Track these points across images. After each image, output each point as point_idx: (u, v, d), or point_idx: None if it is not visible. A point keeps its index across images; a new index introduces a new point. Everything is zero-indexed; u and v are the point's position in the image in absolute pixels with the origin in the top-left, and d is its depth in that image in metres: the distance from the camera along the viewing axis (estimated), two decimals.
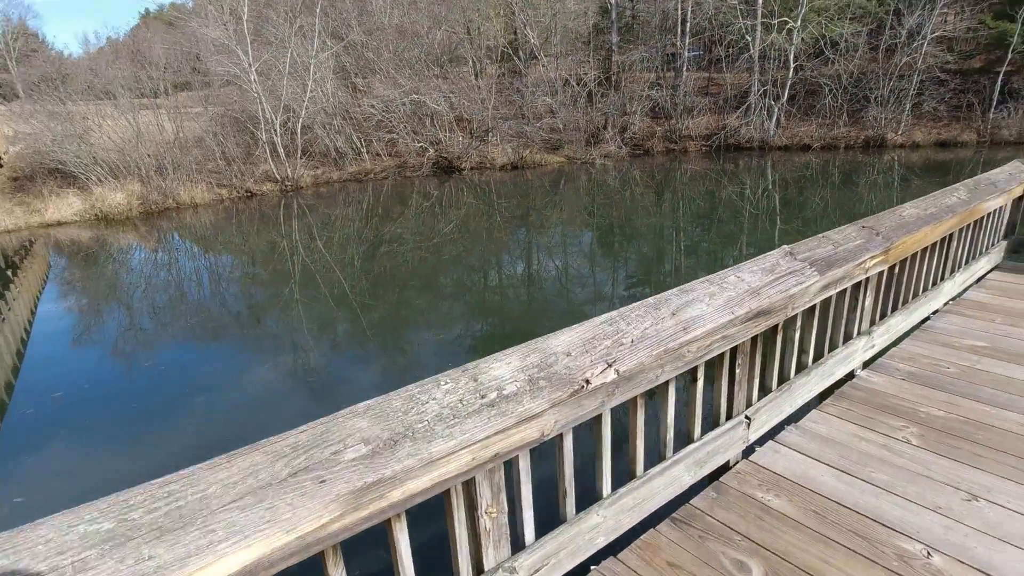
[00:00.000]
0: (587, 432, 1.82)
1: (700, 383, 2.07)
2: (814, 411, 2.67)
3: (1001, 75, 19.63)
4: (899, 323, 3.25)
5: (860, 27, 21.38)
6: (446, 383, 1.41)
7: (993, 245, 4.36)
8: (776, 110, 21.01)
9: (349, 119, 20.80)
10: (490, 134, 21.28)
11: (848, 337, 2.90)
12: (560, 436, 1.67)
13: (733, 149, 21.40)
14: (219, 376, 6.62)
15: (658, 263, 10.42)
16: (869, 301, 2.91)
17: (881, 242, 2.71)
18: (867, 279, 2.79)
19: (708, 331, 1.91)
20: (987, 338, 3.30)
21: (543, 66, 23.05)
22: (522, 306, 8.69)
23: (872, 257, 2.66)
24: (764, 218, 12.92)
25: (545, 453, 1.73)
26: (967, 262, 3.99)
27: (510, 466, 1.58)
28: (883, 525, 1.93)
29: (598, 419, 1.78)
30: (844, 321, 2.84)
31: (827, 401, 2.75)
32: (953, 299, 3.90)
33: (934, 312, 3.70)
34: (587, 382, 1.58)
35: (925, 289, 3.50)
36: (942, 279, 3.68)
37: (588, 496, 1.88)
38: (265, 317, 8.65)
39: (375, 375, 6.41)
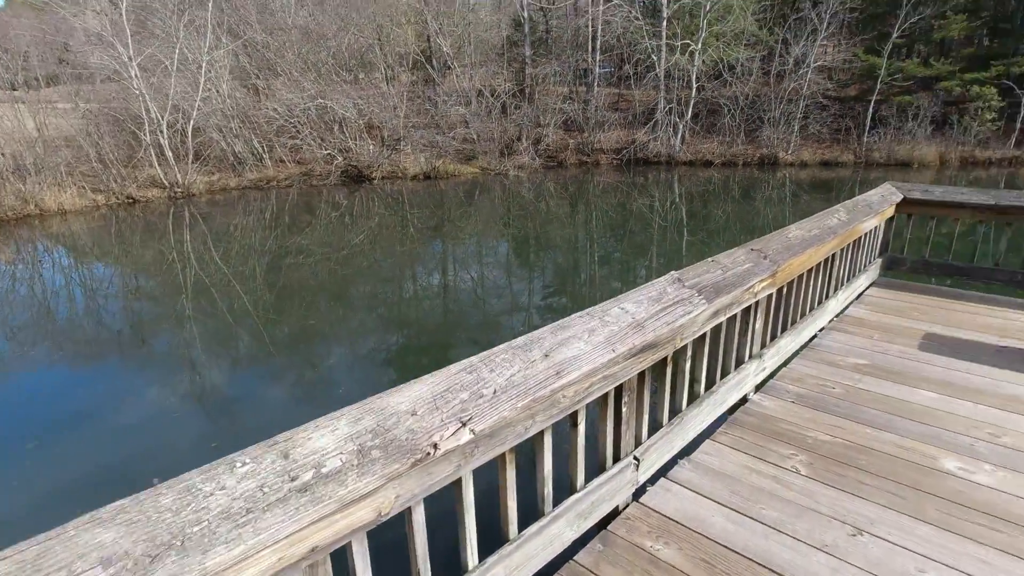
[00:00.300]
0: (449, 496, 1.59)
1: (582, 427, 1.92)
2: (707, 442, 2.65)
3: (872, 104, 22.01)
4: (789, 344, 3.35)
5: (754, 53, 23.20)
6: (244, 464, 1.11)
7: (870, 263, 4.65)
8: (681, 127, 22.26)
9: (249, 123, 19.61)
10: (402, 143, 20.87)
11: (740, 362, 2.92)
12: (408, 510, 1.43)
13: (642, 163, 22.38)
14: (89, 403, 5.82)
15: (574, 273, 10.55)
16: (759, 324, 2.95)
17: (769, 265, 2.73)
18: (756, 302, 2.83)
19: (587, 372, 1.73)
20: (867, 355, 3.47)
21: (457, 76, 23.03)
22: (437, 318, 8.45)
23: (760, 281, 2.66)
24: (672, 229, 13.43)
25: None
26: (848, 280, 4.22)
27: (347, 552, 1.31)
28: (773, 572, 1.89)
29: (457, 483, 1.56)
30: (736, 346, 2.85)
31: (720, 429, 2.76)
32: (837, 316, 4.11)
33: (821, 330, 3.87)
34: (435, 447, 1.34)
35: (812, 308, 3.64)
36: (827, 297, 3.85)
37: (453, 571, 1.67)
38: (152, 336, 7.79)
39: (280, 394, 5.92)
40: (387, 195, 18.38)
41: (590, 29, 23.29)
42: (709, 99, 22.83)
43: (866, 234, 4.26)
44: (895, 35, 21.66)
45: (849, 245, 3.98)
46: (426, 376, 1.49)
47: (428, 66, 23.43)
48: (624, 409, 2.08)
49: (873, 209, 4.06)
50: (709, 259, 2.57)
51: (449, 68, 23.18)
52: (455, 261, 11.76)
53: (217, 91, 19.28)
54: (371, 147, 20.25)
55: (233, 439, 4.83)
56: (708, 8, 20.90)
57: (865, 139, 21.72)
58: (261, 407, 5.62)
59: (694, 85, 21.89)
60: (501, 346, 1.66)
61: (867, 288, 4.66)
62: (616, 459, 2.15)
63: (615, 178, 20.55)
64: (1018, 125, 21.21)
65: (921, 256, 4.79)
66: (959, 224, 4.62)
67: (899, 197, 4.53)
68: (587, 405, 1.88)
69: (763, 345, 3.08)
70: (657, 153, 22.17)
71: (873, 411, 2.82)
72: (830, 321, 4.00)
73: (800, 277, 3.29)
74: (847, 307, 4.26)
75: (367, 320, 8.21)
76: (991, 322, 3.90)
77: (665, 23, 21.76)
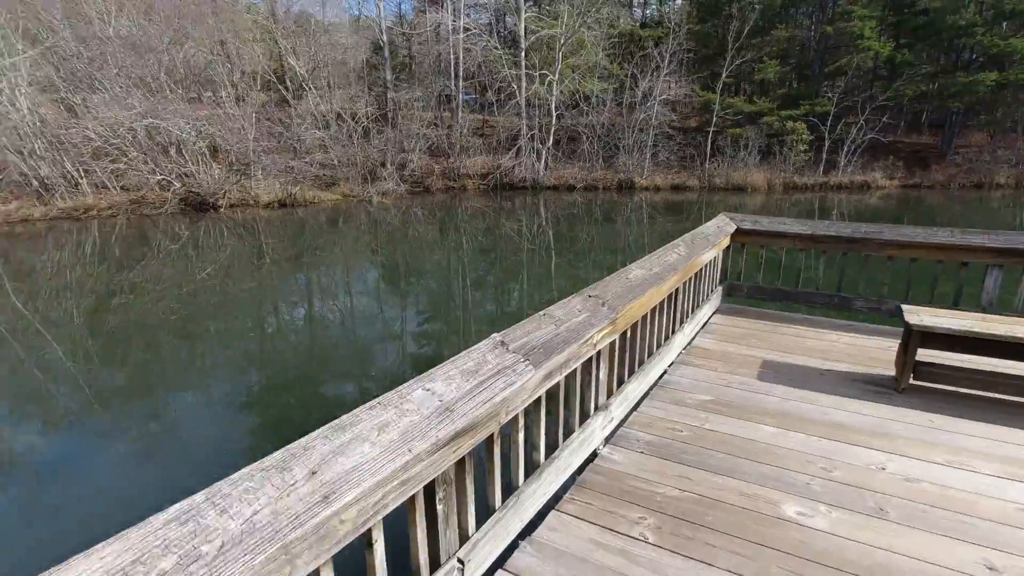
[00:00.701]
0: None
1: (379, 546, 1.51)
2: (552, 514, 2.41)
3: (710, 135, 24.66)
4: (637, 388, 3.26)
5: (607, 85, 24.97)
6: None
7: (712, 292, 4.84)
8: (544, 153, 23.18)
9: (59, 143, 16.98)
10: (252, 168, 19.33)
11: (585, 416, 2.72)
12: None
13: (509, 188, 22.87)
14: None
15: (448, 298, 10.24)
16: (603, 374, 2.79)
17: (608, 312, 2.58)
18: (598, 352, 2.65)
19: (374, 485, 1.35)
20: (713, 389, 3.50)
21: (314, 98, 21.99)
22: (302, 355, 7.67)
23: (600, 330, 2.49)
24: (542, 252, 13.56)
25: None
26: (693, 311, 4.30)
27: None
28: None
29: None
30: (579, 400, 2.64)
31: (567, 496, 2.53)
32: (685, 348, 4.15)
33: (670, 365, 3.85)
34: None
35: (659, 345, 3.59)
36: (673, 332, 3.84)
37: None
38: None
39: (111, 457, 4.88)
40: (238, 224, 16.80)
41: (452, 56, 23.60)
42: (568, 127, 24.09)
43: (706, 265, 4.39)
44: (724, 75, 24.58)
45: (692, 278, 4.05)
46: (113, 539, 1.02)
47: (281, 87, 22.14)
48: (440, 507, 1.70)
49: (710, 241, 4.20)
50: (541, 313, 2.29)
51: (305, 90, 22.09)
52: (321, 292, 10.91)
53: (14, 106, 16.49)
54: (217, 172, 18.48)
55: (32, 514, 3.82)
56: (563, 42, 22.18)
57: (707, 166, 24.21)
58: (83, 466, 4.55)
59: (554, 113, 22.98)
60: (245, 469, 1.22)
61: (711, 316, 4.83)
62: (435, 567, 1.76)
63: (483, 203, 20.66)
64: (824, 156, 24.99)
65: (755, 282, 5.09)
66: (784, 252, 4.91)
67: (733, 228, 4.81)
68: (384, 518, 1.47)
69: (609, 394, 2.93)
70: (523, 178, 22.82)
71: (719, 455, 2.79)
72: (679, 354, 4.01)
73: (644, 317, 3.20)
74: (694, 338, 4.34)
75: (217, 362, 7.21)
76: (816, 345, 4.19)
77: (524, 54, 22.69)
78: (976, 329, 3.01)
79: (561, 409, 2.48)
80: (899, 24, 27.24)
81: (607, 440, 2.93)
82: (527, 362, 1.96)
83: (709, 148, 24.63)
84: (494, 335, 2.02)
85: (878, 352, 4.01)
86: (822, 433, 2.94)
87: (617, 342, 2.88)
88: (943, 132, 27.81)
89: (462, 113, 24.26)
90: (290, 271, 12.24)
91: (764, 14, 27.71)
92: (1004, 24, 25.33)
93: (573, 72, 23.59)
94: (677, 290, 3.72)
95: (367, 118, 21.89)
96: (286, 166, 19.87)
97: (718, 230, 4.57)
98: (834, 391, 3.39)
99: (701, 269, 4.25)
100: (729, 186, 23.65)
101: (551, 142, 23.50)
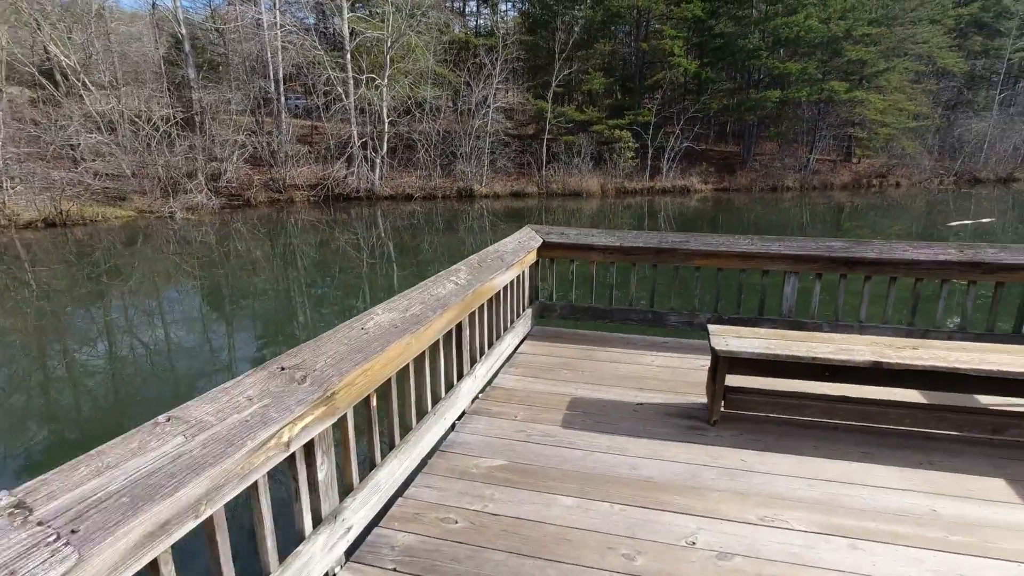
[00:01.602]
0: None
1: None
2: None
3: (545, 142, 25.42)
4: (398, 468, 2.49)
5: (441, 92, 24.64)
6: None
7: (519, 316, 4.27)
8: (378, 161, 22.13)
9: None
10: (2, 179, 15.86)
11: (296, 542, 1.85)
12: None
13: (343, 199, 21.48)
14: None
15: (286, 320, 9.18)
16: (324, 474, 1.93)
17: (312, 390, 1.75)
18: (310, 444, 1.83)
19: None
20: (507, 449, 2.87)
21: (92, 97, 18.70)
22: (100, 400, 6.16)
23: (295, 421, 1.67)
24: (383, 264, 13.06)
25: None
26: (491, 346, 3.65)
27: None
28: None
29: None
30: (266, 528, 1.70)
31: None
32: (482, 391, 3.50)
33: (460, 416, 3.17)
34: None
35: (436, 401, 2.87)
36: (460, 378, 3.13)
37: None
38: None
39: None
40: None
41: (269, 55, 21.66)
42: (404, 134, 23.32)
43: (506, 288, 3.84)
44: (554, 84, 25.54)
45: (485, 305, 3.45)
46: None
47: (46, 81, 18.54)
48: None
49: (506, 261, 3.66)
50: (163, 417, 1.43)
51: (79, 86, 18.71)
52: (127, 324, 9.02)
53: None
54: None
55: None
56: (390, 44, 21.38)
57: (544, 172, 24.89)
58: None
59: (386, 120, 22.06)
60: None
61: (521, 344, 4.29)
62: None
63: (315, 215, 19.30)
64: (649, 163, 27.02)
65: (568, 301, 4.66)
66: (595, 266, 4.51)
67: (539, 241, 4.36)
68: None
69: (344, 495, 2.12)
70: (357, 188, 21.55)
71: (498, 557, 2.12)
72: (473, 401, 3.37)
73: (404, 372, 2.49)
74: (495, 376, 3.72)
75: None
76: (631, 371, 3.82)
77: (349, 56, 21.51)
78: (779, 352, 2.83)
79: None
80: (702, 45, 30.51)
81: (348, 557, 2.11)
82: (69, 548, 1.05)
83: (545, 155, 25.36)
84: (19, 489, 1.12)
85: (692, 373, 3.77)
86: (629, 498, 2.47)
87: (349, 419, 2.07)
88: (744, 142, 31.60)
89: (286, 118, 22.38)
90: (75, 303, 9.99)
91: (587, 29, 29.43)
92: (781, 50, 29.48)
93: (405, 77, 22.89)
94: (462, 324, 3.08)
95: (166, 122, 19.15)
96: (51, 178, 16.51)
97: (519, 245, 4.06)
98: (646, 431, 3.04)
99: (499, 294, 3.68)
100: (566, 192, 24.50)
101: (385, 150, 22.52)
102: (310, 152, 22.07)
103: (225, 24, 22.65)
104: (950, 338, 3.73)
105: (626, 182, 25.94)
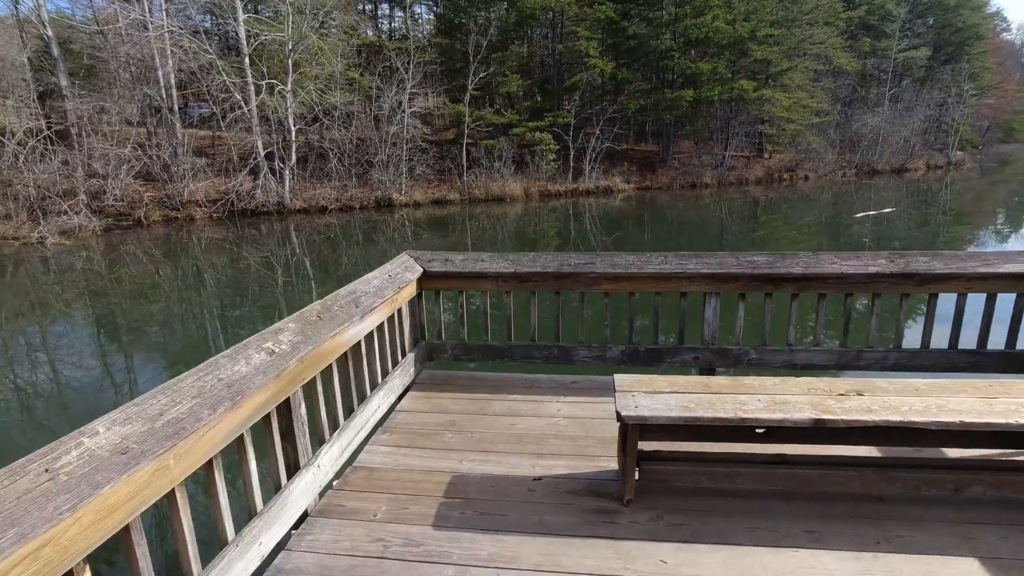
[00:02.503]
0: None
1: None
2: None
3: (464, 146, 25.00)
4: None
5: (352, 97, 23.70)
6: None
7: (396, 366, 3.55)
8: (287, 173, 20.94)
9: None
10: None
11: None
12: None
13: (250, 214, 20.15)
14: None
15: (195, 349, 8.38)
16: None
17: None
18: None
19: None
20: (359, 566, 2.16)
21: None
22: None
23: None
24: (299, 282, 12.54)
25: None
26: (350, 414, 2.94)
27: None
28: None
29: None
30: None
31: None
32: (333, 482, 2.77)
33: (299, 522, 2.41)
34: None
35: (253, 515, 2.09)
36: (293, 474, 2.36)
37: None
38: None
39: None
40: None
41: (157, 60, 20.02)
42: (313, 143, 22.23)
43: (373, 333, 3.16)
44: (470, 87, 25.18)
45: (333, 365, 2.73)
46: None
47: None
48: None
49: (363, 306, 2.92)
50: None
51: None
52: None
53: None
54: None
55: None
56: (291, 47, 20.28)
57: (465, 178, 24.45)
58: None
59: (292, 128, 20.90)
60: None
61: (400, 399, 3.60)
62: None
63: (221, 233, 18.02)
64: (571, 164, 27.18)
65: (460, 339, 3.97)
66: (489, 295, 3.84)
67: (418, 271, 3.68)
68: None
69: None
70: (265, 202, 20.27)
71: None
72: (321, 496, 2.61)
73: (171, 494, 1.70)
74: (359, 451, 3.02)
75: None
76: (531, 427, 3.22)
77: (247, 60, 20.24)
78: (700, 414, 2.27)
79: None
80: (616, 46, 31.12)
81: None
82: None
83: (465, 160, 24.93)
84: None
85: (604, 425, 3.18)
86: None
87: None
88: (662, 141, 32.47)
89: (181, 128, 20.77)
90: None
91: (501, 30, 29.33)
92: (692, 51, 30.55)
93: (313, 83, 21.81)
94: (291, 402, 2.31)
95: (35, 135, 17.22)
96: None
97: (388, 280, 3.34)
98: (543, 523, 2.40)
99: (359, 345, 2.96)
100: (489, 197, 24.17)
101: (294, 160, 21.33)
102: (210, 164, 20.57)
103: (106, 26, 20.76)
104: (886, 358, 3.45)
105: (549, 184, 25.93)
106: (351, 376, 2.94)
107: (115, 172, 18.06)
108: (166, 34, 19.48)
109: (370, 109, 24.33)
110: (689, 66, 28.90)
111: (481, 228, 19.84)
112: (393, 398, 3.46)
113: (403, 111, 22.78)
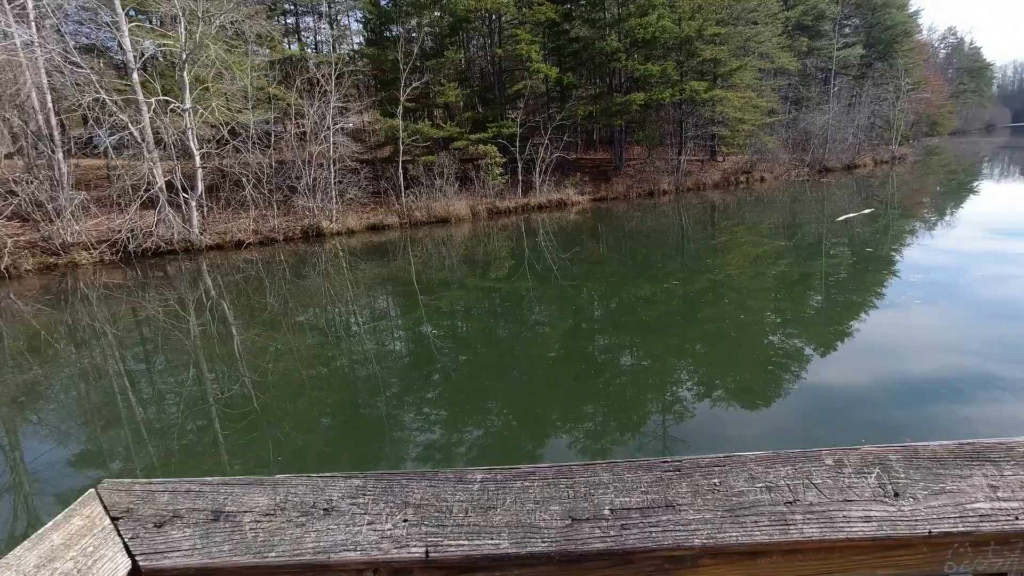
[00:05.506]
0: None
1: None
2: None
3: (400, 164, 23.23)
4: None
5: (268, 115, 21.60)
6: None
7: None
8: (193, 205, 18.60)
9: None
10: None
11: None
12: None
13: (152, 255, 17.70)
14: None
15: (91, 414, 7.35)
16: None
17: None
18: None
19: None
20: None
21: None
22: None
23: None
24: (218, 329, 11.49)
25: None
26: None
27: None
28: None
29: None
30: None
31: None
32: None
33: None
34: None
35: None
36: None
37: None
38: None
39: None
40: None
41: (27, 80, 17.46)
42: (223, 169, 19.99)
43: None
44: (403, 98, 23.52)
45: None
46: None
47: None
48: None
49: None
50: None
51: None
52: None
53: None
54: None
55: None
56: (184, 58, 18.09)
57: (404, 200, 22.64)
58: None
59: (196, 152, 18.63)
60: None
61: None
62: None
63: (116, 278, 15.68)
64: (520, 177, 25.82)
65: None
66: None
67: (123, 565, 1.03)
68: None
69: None
70: (169, 240, 17.87)
71: None
72: None
73: None
74: None
75: None
76: None
77: (136, 75, 17.93)
78: None
79: None
80: (559, 50, 30.25)
81: None
82: None
83: (403, 179, 23.14)
84: None
85: None
86: None
87: None
88: (614, 148, 31.65)
89: (64, 159, 18.18)
90: None
91: (435, 37, 27.95)
92: (639, 53, 29.97)
93: (219, 100, 19.62)
94: None
95: None
96: None
97: None
98: None
99: None
100: (432, 219, 22.44)
101: (202, 189, 19.00)
102: (97, 199, 18.04)
103: None
104: None
105: (498, 201, 24.44)
106: None
107: None
108: (37, 50, 17.01)
109: (287, 127, 22.26)
110: (637, 68, 28.23)
111: (425, 254, 18.10)
112: None
113: (328, 127, 20.85)
